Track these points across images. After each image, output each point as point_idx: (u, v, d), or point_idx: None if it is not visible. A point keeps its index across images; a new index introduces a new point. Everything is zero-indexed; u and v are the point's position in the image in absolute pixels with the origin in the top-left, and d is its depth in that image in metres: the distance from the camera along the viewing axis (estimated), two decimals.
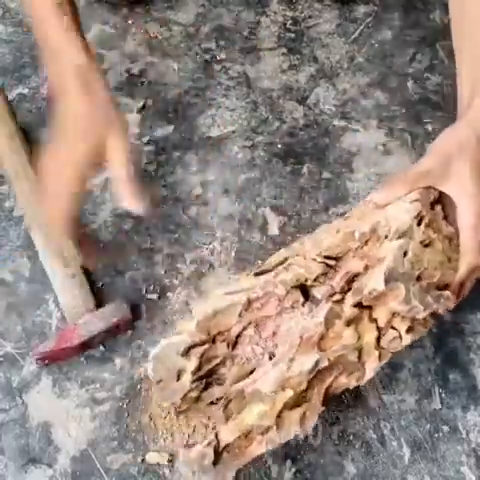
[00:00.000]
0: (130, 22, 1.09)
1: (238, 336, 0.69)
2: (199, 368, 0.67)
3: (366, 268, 0.69)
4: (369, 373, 0.70)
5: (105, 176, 0.95)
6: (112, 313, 0.81)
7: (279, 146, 0.98)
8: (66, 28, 0.75)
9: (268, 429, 0.66)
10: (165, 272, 0.88)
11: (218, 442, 0.67)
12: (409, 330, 0.70)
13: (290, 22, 1.10)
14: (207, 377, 0.68)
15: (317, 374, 0.67)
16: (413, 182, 0.73)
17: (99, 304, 0.83)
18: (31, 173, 0.88)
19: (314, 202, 0.93)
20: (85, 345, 0.81)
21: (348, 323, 0.68)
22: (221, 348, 0.68)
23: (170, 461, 0.75)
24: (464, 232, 0.73)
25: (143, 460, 0.76)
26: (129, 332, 0.83)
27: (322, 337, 0.67)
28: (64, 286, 0.83)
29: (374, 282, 0.67)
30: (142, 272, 0.87)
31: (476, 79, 0.75)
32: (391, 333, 0.70)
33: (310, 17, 1.10)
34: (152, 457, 0.76)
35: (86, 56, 0.74)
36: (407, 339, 0.70)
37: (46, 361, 0.80)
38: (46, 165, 0.75)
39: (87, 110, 0.73)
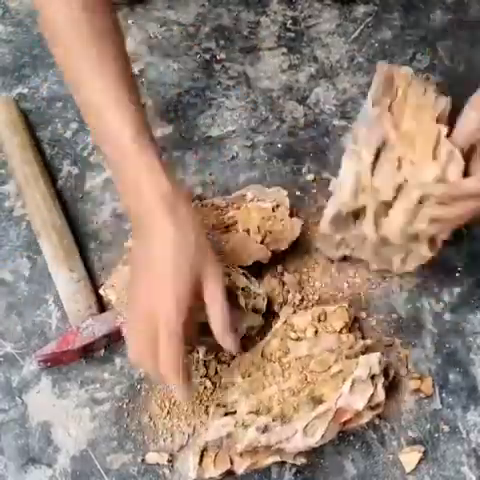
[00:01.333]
0: (130, 22, 1.08)
1: None
2: None
3: None
4: None
5: (105, 177, 0.95)
6: (114, 317, 0.81)
7: (279, 146, 0.98)
8: (147, 160, 0.66)
9: None
10: None
11: None
12: None
13: (290, 22, 1.10)
14: None
15: None
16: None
17: (102, 309, 0.84)
18: (42, 183, 0.90)
19: (314, 202, 0.93)
20: (87, 349, 0.81)
21: None
22: None
23: (170, 461, 0.75)
24: None
25: (143, 460, 0.76)
26: None
27: None
28: (69, 290, 0.83)
29: None
30: None
31: None
32: None
33: (310, 17, 1.10)
34: (152, 457, 0.76)
35: (171, 182, 0.66)
36: None
37: (48, 363, 0.80)
38: (134, 320, 0.66)
39: (179, 240, 0.64)
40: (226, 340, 0.68)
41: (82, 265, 0.86)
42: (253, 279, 0.81)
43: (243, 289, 0.79)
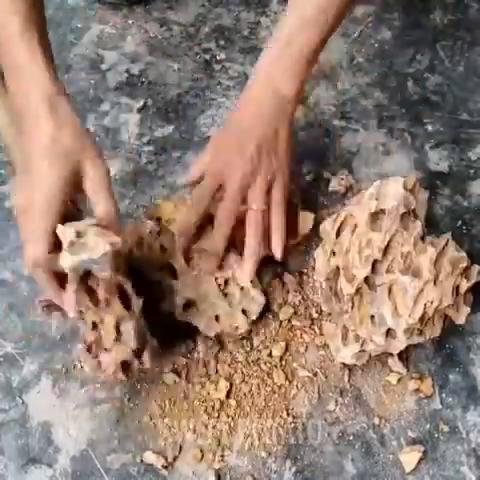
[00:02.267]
0: (130, 22, 1.09)
1: None
2: None
3: None
4: None
5: None
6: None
7: None
8: (32, 49, 0.69)
9: None
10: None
11: None
12: None
13: None
14: None
15: None
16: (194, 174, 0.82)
17: None
18: None
19: (314, 202, 0.93)
20: None
21: None
22: None
23: (165, 467, 0.75)
24: None
25: (142, 460, 0.76)
26: None
27: None
28: None
29: None
30: None
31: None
32: None
33: None
34: (149, 457, 0.75)
35: (54, 80, 0.69)
36: None
37: (51, 308, 0.79)
38: (20, 204, 0.70)
39: (56, 134, 0.67)
40: (114, 225, 0.68)
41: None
42: (258, 283, 0.82)
43: (242, 288, 0.80)
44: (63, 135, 0.68)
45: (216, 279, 0.80)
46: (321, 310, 0.84)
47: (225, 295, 0.80)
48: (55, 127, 0.67)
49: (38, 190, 0.67)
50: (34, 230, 0.67)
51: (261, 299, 0.81)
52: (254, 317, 0.81)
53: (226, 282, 0.81)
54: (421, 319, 0.74)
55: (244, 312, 0.81)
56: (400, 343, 0.76)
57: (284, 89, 0.78)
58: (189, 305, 0.80)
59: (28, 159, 0.68)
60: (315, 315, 0.84)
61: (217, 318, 0.80)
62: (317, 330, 0.83)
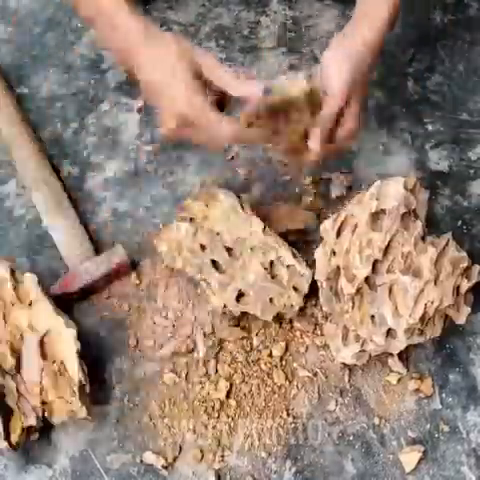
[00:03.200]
0: None
1: None
2: None
3: None
4: None
5: (105, 176, 0.95)
6: (111, 258, 0.84)
7: None
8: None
9: None
10: (164, 273, 0.88)
11: None
12: None
13: (290, 22, 1.10)
14: None
15: None
16: None
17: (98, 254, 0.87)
18: (28, 140, 0.93)
19: (314, 202, 0.93)
20: (88, 290, 0.84)
21: None
22: None
23: (165, 467, 0.75)
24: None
25: (142, 460, 0.76)
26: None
27: None
28: (64, 237, 0.87)
29: None
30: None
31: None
32: None
33: (310, 17, 1.10)
34: (149, 457, 0.75)
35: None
36: None
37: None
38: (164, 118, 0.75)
39: (171, 49, 0.76)
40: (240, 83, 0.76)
41: (74, 213, 0.89)
42: (301, 259, 0.82)
43: (288, 266, 0.81)
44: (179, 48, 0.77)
45: (261, 263, 0.81)
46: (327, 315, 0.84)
47: (273, 277, 0.81)
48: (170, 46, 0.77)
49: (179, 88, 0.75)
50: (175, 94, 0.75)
51: (308, 273, 0.81)
52: (306, 291, 0.82)
53: (271, 264, 0.81)
54: (421, 319, 0.74)
55: (295, 289, 0.81)
56: (400, 343, 0.76)
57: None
58: (240, 295, 0.80)
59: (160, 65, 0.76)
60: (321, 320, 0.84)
61: (271, 300, 0.80)
62: (319, 331, 0.83)
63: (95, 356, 0.82)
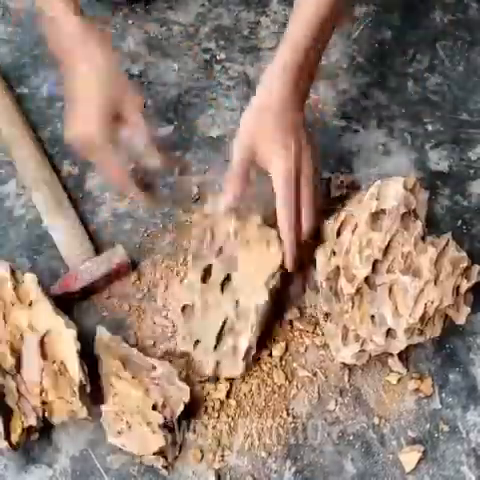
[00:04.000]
0: (130, 22, 1.08)
1: None
2: None
3: None
4: None
5: None
6: (111, 258, 0.85)
7: None
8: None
9: None
10: (165, 273, 0.88)
11: None
12: None
13: None
14: None
15: None
16: (238, 172, 0.78)
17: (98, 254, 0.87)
18: (28, 140, 0.93)
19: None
20: (88, 290, 0.85)
21: None
22: None
23: (165, 467, 0.75)
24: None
25: (142, 460, 0.76)
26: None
27: None
28: (65, 237, 0.87)
29: None
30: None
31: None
32: None
33: None
34: (149, 458, 0.75)
35: (89, 22, 0.79)
36: None
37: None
38: (75, 134, 0.77)
39: (104, 64, 0.76)
40: (151, 155, 0.79)
41: (74, 213, 0.89)
42: None
43: None
44: (111, 68, 0.78)
45: None
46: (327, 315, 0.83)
47: None
48: (104, 61, 0.78)
49: (88, 101, 0.76)
50: (88, 112, 0.77)
51: None
52: None
53: None
54: (421, 319, 0.74)
55: None
56: (400, 343, 0.76)
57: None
58: None
59: (74, 91, 0.78)
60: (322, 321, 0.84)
61: None
62: (319, 331, 0.83)
63: (95, 356, 0.82)
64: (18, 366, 0.75)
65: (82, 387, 0.75)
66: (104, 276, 0.84)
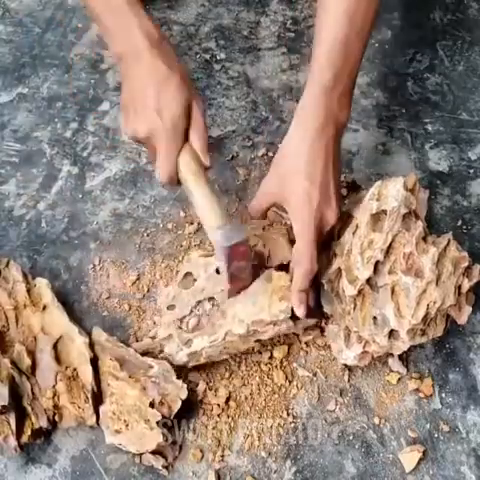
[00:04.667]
0: None
1: None
2: None
3: None
4: None
5: (105, 176, 0.95)
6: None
7: (279, 146, 0.98)
8: (136, 12, 0.75)
9: None
10: (164, 273, 0.88)
11: None
12: None
13: (290, 22, 1.10)
14: None
15: None
16: (261, 206, 0.80)
17: None
18: None
19: None
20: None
21: None
22: None
23: (165, 467, 0.75)
24: (298, 241, 0.75)
25: (142, 460, 0.76)
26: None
27: None
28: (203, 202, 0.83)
29: None
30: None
31: (315, 73, 0.76)
32: None
33: (310, 17, 1.10)
34: (148, 458, 0.75)
35: (158, 30, 0.76)
36: None
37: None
38: (141, 131, 0.75)
39: (173, 73, 0.74)
40: (203, 154, 0.76)
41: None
42: None
43: None
44: (175, 71, 0.75)
45: None
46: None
47: None
48: (167, 65, 0.75)
49: (165, 116, 0.74)
50: (167, 150, 0.74)
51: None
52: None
53: None
54: (424, 319, 0.74)
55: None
56: (403, 344, 0.76)
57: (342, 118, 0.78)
58: None
59: (140, 93, 0.75)
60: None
61: None
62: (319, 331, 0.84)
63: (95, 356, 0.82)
64: (33, 368, 0.75)
65: (93, 394, 0.75)
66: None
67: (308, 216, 0.74)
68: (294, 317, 0.75)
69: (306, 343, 0.83)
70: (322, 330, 0.83)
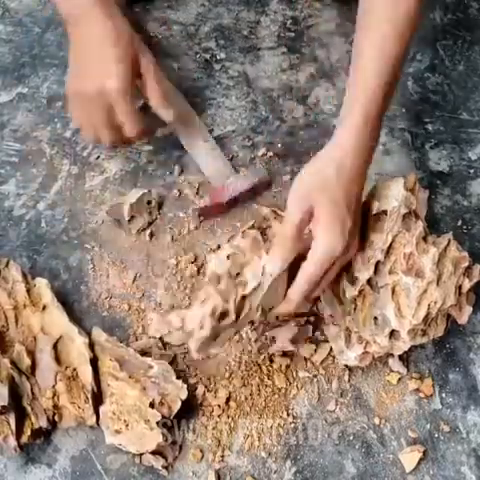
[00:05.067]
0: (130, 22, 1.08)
1: None
2: None
3: None
4: None
5: (105, 176, 0.95)
6: (253, 175, 0.93)
7: (279, 146, 0.98)
8: None
9: None
10: (165, 273, 0.88)
11: None
12: None
13: (290, 21, 1.10)
14: None
15: None
16: (290, 238, 0.69)
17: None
18: None
19: None
20: (232, 203, 0.92)
21: None
22: None
23: (165, 467, 0.75)
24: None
25: (142, 461, 0.76)
26: None
27: None
28: (207, 158, 0.95)
29: None
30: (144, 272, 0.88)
31: (353, 100, 0.73)
32: None
33: (310, 16, 1.10)
34: (148, 459, 0.75)
35: None
36: None
37: (201, 218, 0.91)
38: (82, 101, 0.80)
39: (117, 31, 0.78)
40: (162, 109, 0.84)
41: (211, 137, 0.97)
42: None
43: None
44: (124, 32, 0.80)
45: None
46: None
47: None
48: (116, 25, 0.79)
49: (120, 69, 0.78)
50: (128, 102, 0.81)
51: None
52: None
53: None
54: (425, 320, 0.74)
55: None
56: (404, 344, 0.75)
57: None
58: None
59: (91, 51, 0.79)
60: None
61: None
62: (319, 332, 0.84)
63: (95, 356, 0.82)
64: (33, 368, 0.76)
65: (93, 395, 0.75)
66: (248, 190, 0.92)
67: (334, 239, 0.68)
68: None
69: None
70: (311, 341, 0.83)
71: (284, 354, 0.81)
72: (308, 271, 0.69)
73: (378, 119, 0.73)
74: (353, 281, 0.75)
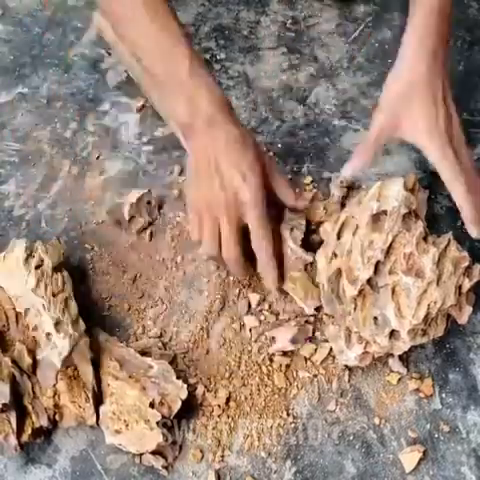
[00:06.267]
0: None
1: None
2: None
3: None
4: None
5: (105, 176, 0.95)
6: None
7: (279, 146, 0.98)
8: (194, 65, 0.74)
9: None
10: (164, 272, 0.88)
11: None
12: None
13: (290, 21, 1.10)
14: None
15: None
16: (373, 143, 0.81)
17: None
18: None
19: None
20: None
21: None
22: None
23: (165, 467, 0.75)
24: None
25: (142, 461, 0.76)
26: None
27: None
28: None
29: None
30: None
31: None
32: None
33: (310, 16, 1.10)
34: (148, 459, 0.75)
35: (220, 91, 0.76)
36: None
37: None
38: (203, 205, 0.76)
39: (243, 136, 0.75)
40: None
41: None
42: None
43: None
44: (250, 139, 0.77)
45: None
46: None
47: None
48: (241, 132, 0.76)
49: (252, 182, 0.75)
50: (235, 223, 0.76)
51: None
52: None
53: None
54: (425, 320, 0.74)
55: None
56: (404, 344, 0.76)
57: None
58: None
59: (215, 159, 0.75)
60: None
61: None
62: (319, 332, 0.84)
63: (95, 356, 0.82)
64: (33, 367, 0.76)
65: (94, 394, 0.75)
66: None
67: (444, 136, 0.77)
68: None
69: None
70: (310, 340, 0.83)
71: (284, 354, 0.81)
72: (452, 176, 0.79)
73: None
74: (353, 281, 0.75)
